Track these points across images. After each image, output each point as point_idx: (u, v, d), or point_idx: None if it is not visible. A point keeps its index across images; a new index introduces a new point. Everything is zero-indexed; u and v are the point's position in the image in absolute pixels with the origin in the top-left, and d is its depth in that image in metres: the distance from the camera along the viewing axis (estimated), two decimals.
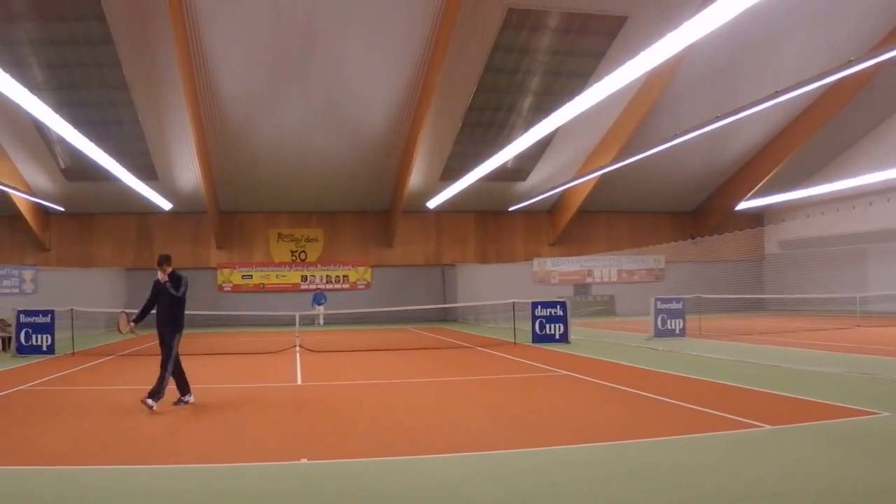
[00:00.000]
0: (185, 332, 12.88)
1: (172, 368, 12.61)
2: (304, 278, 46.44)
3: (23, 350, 23.34)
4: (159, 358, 12.38)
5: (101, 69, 32.47)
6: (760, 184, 43.43)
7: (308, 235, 46.66)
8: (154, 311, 13.31)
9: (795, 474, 7.59)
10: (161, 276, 13.17)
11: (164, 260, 13.29)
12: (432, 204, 42.56)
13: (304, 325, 38.93)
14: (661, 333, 25.54)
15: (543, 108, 33.64)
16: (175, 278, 13.24)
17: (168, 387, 12.49)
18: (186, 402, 12.72)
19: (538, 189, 41.81)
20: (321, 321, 41.34)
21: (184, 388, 12.87)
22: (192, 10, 28.24)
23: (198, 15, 28.63)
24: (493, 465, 8.18)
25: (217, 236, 45.13)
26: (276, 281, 46.19)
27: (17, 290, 40.93)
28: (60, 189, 41.08)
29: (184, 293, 13.30)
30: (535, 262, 46.24)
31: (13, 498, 7.14)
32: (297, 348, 24.07)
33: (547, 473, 7.78)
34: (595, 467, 8.03)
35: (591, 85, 22.51)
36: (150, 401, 11.94)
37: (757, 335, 26.60)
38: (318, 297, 41.30)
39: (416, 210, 44.84)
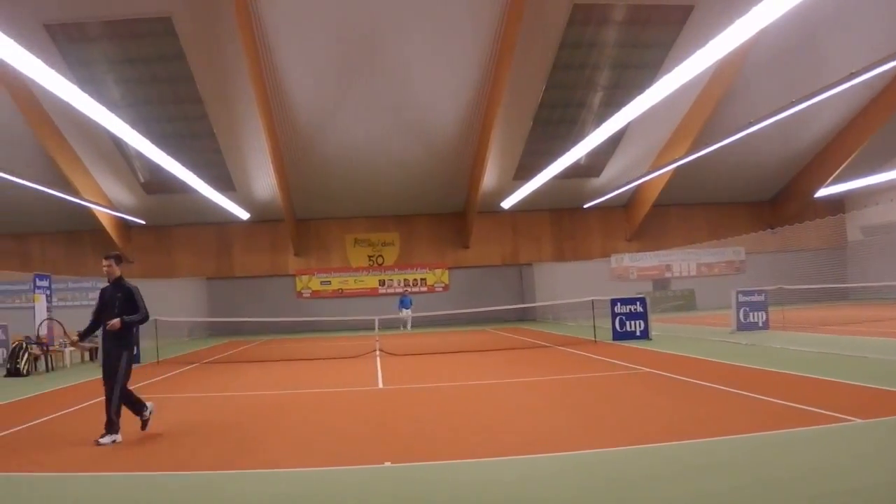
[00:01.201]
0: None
1: (122, 393, 10.55)
2: (382, 282, 46.68)
3: None
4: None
5: (174, 84, 33.09)
6: (840, 169, 42.29)
7: (384, 239, 46.89)
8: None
9: (893, 470, 7.39)
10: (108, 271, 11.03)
11: (119, 259, 11.31)
12: (507, 204, 42.43)
13: (390, 328, 39.35)
14: (743, 327, 25.17)
15: (614, 102, 33.40)
16: (126, 290, 10.96)
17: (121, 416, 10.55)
18: (149, 415, 10.93)
19: (612, 185, 41.42)
20: (408, 325, 41.35)
21: (138, 405, 10.90)
22: (260, 23, 28.63)
23: (265, 28, 29.02)
24: (578, 465, 8.10)
25: (295, 243, 45.61)
26: (354, 286, 46.52)
27: None
28: (140, 202, 41.91)
29: (146, 311, 11.10)
30: (613, 258, 45.92)
31: (94, 501, 7.27)
32: (378, 352, 24.19)
33: (634, 472, 7.68)
34: (683, 465, 7.90)
35: (660, 76, 22.27)
36: (103, 439, 10.16)
37: (842, 325, 26.02)
38: (405, 301, 41.36)
39: (491, 210, 44.75)
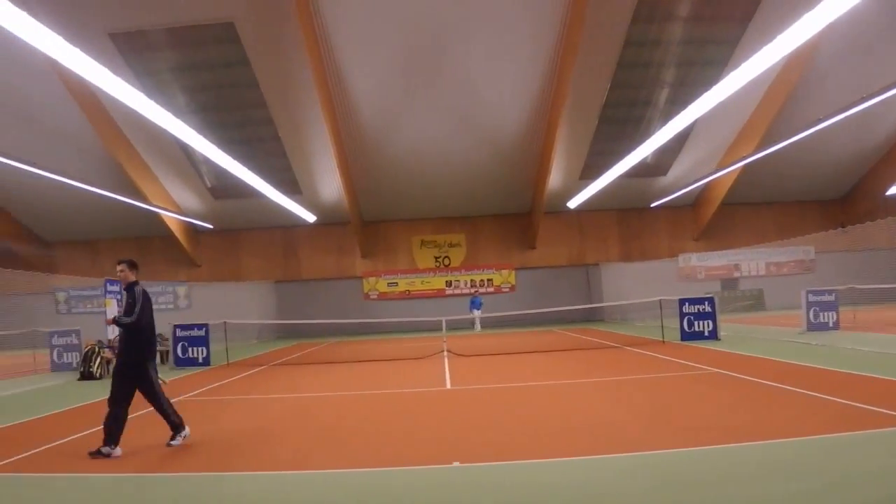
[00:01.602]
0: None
1: (114, 410, 10.19)
2: (449, 283, 46.74)
3: (180, 363, 24.35)
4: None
5: (239, 90, 33.51)
6: None
7: (450, 241, 46.95)
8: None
9: None
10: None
11: (131, 264, 10.90)
12: (573, 203, 42.21)
13: (461, 328, 39.41)
14: (813, 327, 24.77)
15: (680, 100, 33.06)
16: (131, 294, 10.61)
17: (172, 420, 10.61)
18: (105, 455, 9.89)
19: (679, 183, 41.03)
20: (478, 326, 41.30)
21: (116, 429, 10.11)
22: (323, 26, 28.86)
23: (328, 31, 29.23)
24: (646, 466, 8.07)
25: (361, 246, 45.88)
26: (421, 287, 46.64)
27: (172, 306, 42.76)
28: (208, 207, 42.51)
29: (138, 318, 10.42)
30: (681, 257, 45.47)
31: (174, 501, 7.39)
32: (445, 353, 24.24)
33: (702, 474, 7.64)
34: (752, 467, 7.80)
35: (727, 73, 21.96)
36: (174, 441, 10.43)
37: None
38: (475, 302, 41.35)
39: (557, 210, 44.54)
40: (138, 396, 10.41)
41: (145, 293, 10.61)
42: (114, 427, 10.00)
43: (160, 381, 10.75)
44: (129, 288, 10.64)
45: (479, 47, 31.09)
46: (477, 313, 40.02)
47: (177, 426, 10.50)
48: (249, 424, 12.24)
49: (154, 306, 10.72)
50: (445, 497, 7.31)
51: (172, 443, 10.35)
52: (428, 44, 30.81)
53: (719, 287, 44.76)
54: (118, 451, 9.94)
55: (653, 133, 30.76)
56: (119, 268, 10.71)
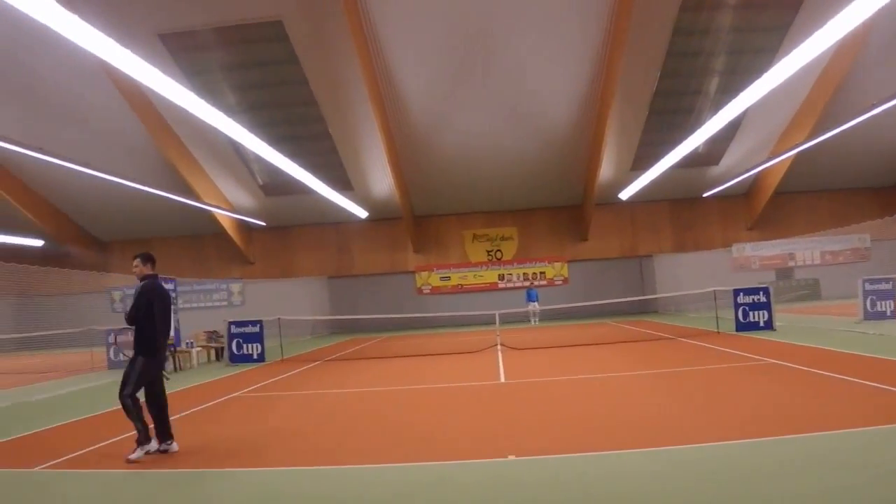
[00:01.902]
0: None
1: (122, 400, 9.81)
2: (501, 277, 46.74)
3: (235, 359, 24.63)
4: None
5: (289, 87, 33.77)
6: None
7: (502, 234, 46.93)
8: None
9: None
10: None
11: (146, 258, 10.49)
12: (625, 195, 42.00)
13: (518, 321, 39.44)
14: (870, 316, 24.44)
15: (730, 88, 32.67)
16: (137, 289, 10.33)
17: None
18: (163, 450, 9.89)
19: (732, 172, 40.61)
20: (536, 319, 41.12)
21: (149, 434, 9.84)
22: (371, 23, 28.97)
23: (376, 27, 29.34)
24: (702, 458, 8.03)
25: (413, 240, 46.05)
26: (473, 281, 46.67)
27: (226, 303, 43.21)
28: (260, 205, 42.89)
29: (132, 313, 10.14)
30: (734, 247, 45.05)
31: (232, 496, 7.51)
32: (499, 346, 24.27)
33: (758, 465, 7.56)
34: (809, 458, 7.76)
35: (778, 60, 21.73)
36: (133, 455, 9.55)
37: None
38: (532, 294, 41.27)
39: (609, 202, 44.36)
40: (171, 396, 10.41)
41: (152, 289, 10.16)
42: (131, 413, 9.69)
43: (164, 377, 10.45)
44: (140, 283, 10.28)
45: (527, 39, 31.01)
46: (534, 306, 39.90)
47: (141, 440, 9.64)
48: (304, 419, 12.39)
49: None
50: (500, 490, 7.33)
51: (132, 456, 9.49)
52: (476, 37, 30.79)
53: (774, 277, 44.31)
54: (153, 444, 9.71)
55: (704, 122, 30.47)
56: (134, 262, 10.40)
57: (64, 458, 9.93)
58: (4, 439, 11.72)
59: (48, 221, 42.83)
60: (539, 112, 35.79)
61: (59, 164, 24.03)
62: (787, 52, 20.48)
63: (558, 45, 31.46)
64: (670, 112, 37.11)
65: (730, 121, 28.83)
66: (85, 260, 44.89)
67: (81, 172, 25.60)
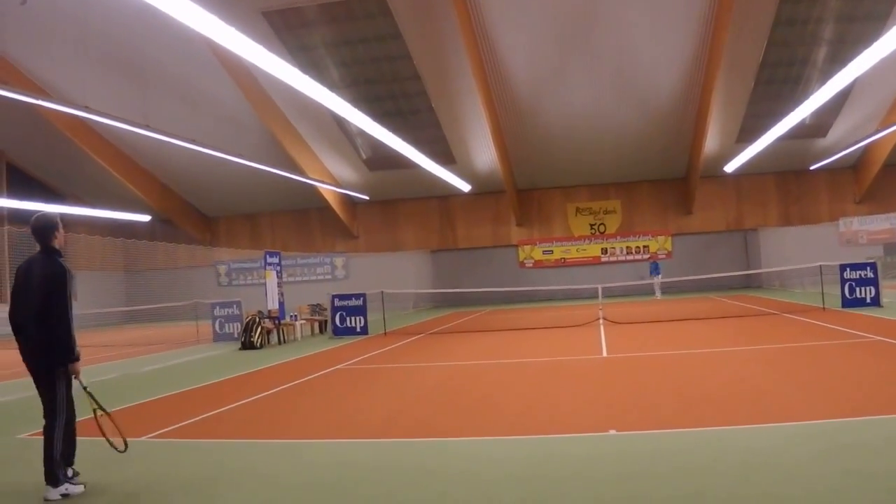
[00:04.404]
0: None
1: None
2: (605, 251, 46.37)
3: (338, 332, 24.88)
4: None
5: (392, 63, 33.88)
6: None
7: (606, 207, 46.52)
8: None
9: None
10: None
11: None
12: (730, 168, 41.21)
13: (644, 294, 39.23)
14: None
15: (839, 57, 31.67)
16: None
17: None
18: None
19: (840, 144, 39.42)
20: (659, 292, 40.49)
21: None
22: None
23: (479, 1, 29.14)
24: (809, 435, 7.81)
25: (516, 214, 45.95)
26: (576, 255, 46.41)
27: (329, 277, 43.87)
28: (364, 179, 43.24)
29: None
30: (841, 221, 43.83)
31: (338, 467, 7.56)
32: (601, 321, 24.08)
33: (862, 443, 7.32)
34: None
35: (889, 28, 21.08)
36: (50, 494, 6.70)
37: None
38: (655, 267, 40.88)
39: (714, 175, 43.51)
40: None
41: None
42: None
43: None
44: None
45: (631, 10, 30.50)
46: (657, 279, 39.54)
47: (48, 476, 6.88)
48: (409, 392, 12.48)
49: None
50: (602, 464, 7.23)
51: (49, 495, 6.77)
52: (579, 9, 30.41)
53: (882, 252, 43.03)
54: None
55: (811, 93, 29.68)
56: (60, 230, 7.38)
57: (171, 427, 10.15)
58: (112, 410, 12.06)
59: (156, 197, 43.95)
60: (644, 84, 35.27)
61: (167, 141, 24.56)
62: None
63: (663, 16, 30.90)
64: (777, 82, 36.13)
65: (838, 91, 28.04)
66: (192, 235, 45.93)
67: (188, 149, 26.15)
